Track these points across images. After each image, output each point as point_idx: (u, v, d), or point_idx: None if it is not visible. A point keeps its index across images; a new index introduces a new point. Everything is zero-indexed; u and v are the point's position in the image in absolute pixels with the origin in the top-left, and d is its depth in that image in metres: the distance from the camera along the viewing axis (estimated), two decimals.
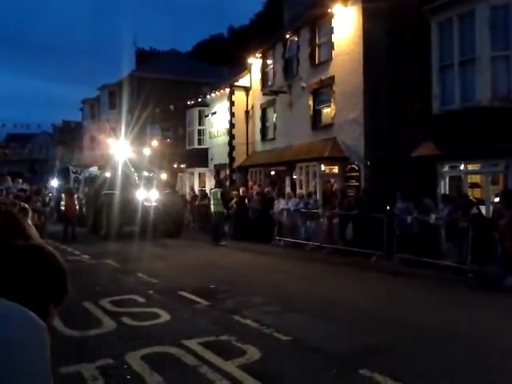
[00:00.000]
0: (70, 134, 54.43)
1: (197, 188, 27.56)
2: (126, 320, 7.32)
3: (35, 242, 1.69)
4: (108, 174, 20.99)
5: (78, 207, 19.55)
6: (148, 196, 18.69)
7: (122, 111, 30.70)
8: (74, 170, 27.18)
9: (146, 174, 20.53)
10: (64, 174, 26.82)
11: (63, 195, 19.18)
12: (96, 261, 13.32)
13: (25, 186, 23.71)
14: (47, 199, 20.11)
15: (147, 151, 23.40)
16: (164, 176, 22.88)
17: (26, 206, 4.72)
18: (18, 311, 1.40)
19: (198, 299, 8.68)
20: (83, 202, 23.50)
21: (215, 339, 6.40)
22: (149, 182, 19.71)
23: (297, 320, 7.47)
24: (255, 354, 5.84)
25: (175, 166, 28.40)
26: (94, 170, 27.91)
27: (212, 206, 17.78)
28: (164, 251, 15.41)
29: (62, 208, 18.59)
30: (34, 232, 7.51)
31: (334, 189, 18.19)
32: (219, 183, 20.27)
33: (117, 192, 18.17)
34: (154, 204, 18.43)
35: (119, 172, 19.56)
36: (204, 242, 17.45)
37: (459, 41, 13.23)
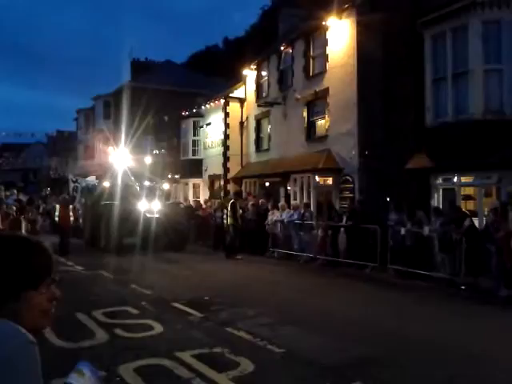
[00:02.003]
0: (64, 144, 54.39)
1: (202, 198, 26.52)
2: (119, 332, 7.27)
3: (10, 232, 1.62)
4: (107, 184, 20.07)
5: (73, 218, 19.06)
6: (150, 207, 17.91)
7: (120, 120, 30.49)
8: (74, 179, 26.66)
9: (147, 183, 19.81)
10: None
11: (57, 206, 18.35)
12: (91, 272, 13.25)
13: (21, 197, 23.67)
14: (41, 209, 19.83)
15: (148, 160, 22.79)
16: (166, 186, 22.34)
17: (20, 216, 4.72)
18: (6, 327, 1.35)
19: (191, 311, 8.64)
20: (80, 212, 22.82)
21: (209, 351, 6.37)
22: (151, 192, 19.05)
23: (290, 332, 7.45)
24: (248, 366, 5.81)
25: (169, 176, 28.32)
26: (91, 179, 26.93)
27: (227, 219, 17.26)
28: (164, 265, 14.94)
29: (57, 219, 17.80)
30: None
31: (331, 201, 18.10)
32: (236, 194, 19.01)
33: (117, 202, 17.45)
34: (157, 215, 17.65)
35: (119, 181, 18.84)
36: (204, 255, 17.30)
37: (452, 54, 13.36)
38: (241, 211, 17.86)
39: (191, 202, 24.23)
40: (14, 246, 1.49)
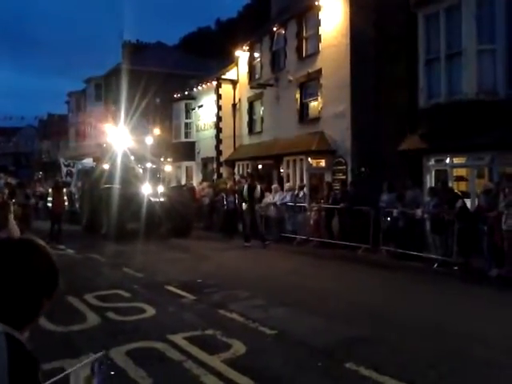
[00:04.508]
0: (55, 127, 53.99)
1: (194, 181, 25.79)
2: (111, 315, 7.25)
3: (28, 237, 1.65)
4: (106, 166, 18.36)
5: (67, 203, 18.37)
6: (154, 190, 16.86)
7: (112, 102, 29.86)
8: (66, 163, 25.51)
9: (149, 165, 18.35)
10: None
11: (50, 190, 17.47)
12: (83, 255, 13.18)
13: (9, 180, 23.36)
14: (30, 193, 19.28)
15: (149, 140, 20.93)
16: (168, 168, 20.89)
17: (9, 201, 4.65)
18: None
19: (184, 293, 8.64)
20: (76, 197, 21.94)
21: (201, 334, 6.36)
22: (153, 175, 17.95)
23: (283, 314, 7.46)
24: (240, 348, 5.82)
25: (161, 159, 28.09)
26: (87, 161, 25.83)
27: (243, 204, 16.19)
28: (178, 253, 14.12)
29: (49, 204, 16.83)
30: (14, 225, 7.33)
31: (324, 183, 17.96)
32: (251, 176, 17.22)
33: (118, 186, 16.27)
34: (161, 199, 16.73)
35: (119, 163, 17.44)
36: (212, 241, 16.44)
37: (446, 34, 13.24)
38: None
39: (195, 185, 23.04)
40: (44, 257, 1.55)
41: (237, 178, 21.57)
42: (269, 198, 17.21)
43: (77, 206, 21.38)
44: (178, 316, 7.30)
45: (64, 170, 24.78)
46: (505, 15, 12.41)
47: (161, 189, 17.16)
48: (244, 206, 16.15)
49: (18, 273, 1.46)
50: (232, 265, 12.03)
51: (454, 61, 13.15)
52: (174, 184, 19.87)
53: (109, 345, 5.85)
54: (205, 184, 22.44)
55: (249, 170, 21.87)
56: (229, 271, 11.10)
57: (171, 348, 5.80)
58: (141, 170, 17.75)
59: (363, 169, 16.37)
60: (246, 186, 16.01)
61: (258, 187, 15.89)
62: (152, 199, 16.40)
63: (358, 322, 7.00)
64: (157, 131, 25.78)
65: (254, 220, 15.64)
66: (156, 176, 18.07)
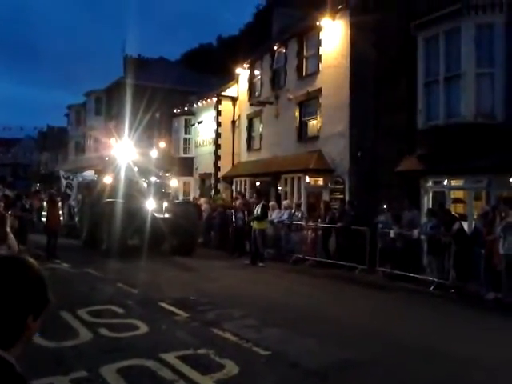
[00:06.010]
0: (54, 139, 54.09)
1: (191, 196, 25.54)
2: (103, 331, 7.17)
3: (10, 254, 1.63)
4: (108, 180, 17.64)
5: (66, 217, 17.59)
6: (158, 205, 16.11)
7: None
8: (66, 175, 24.81)
9: (153, 179, 17.62)
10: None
11: (44, 203, 17.21)
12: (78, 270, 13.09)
13: (7, 192, 23.13)
14: (27, 205, 18.91)
15: (154, 153, 20.00)
16: (174, 182, 19.99)
17: (6, 212, 4.62)
18: None
19: (177, 311, 8.55)
20: (75, 210, 21.34)
21: (193, 353, 6.29)
22: (158, 190, 17.19)
23: (277, 334, 7.38)
24: (233, 368, 5.74)
25: (160, 174, 27.99)
26: (88, 174, 24.97)
27: (253, 222, 15.61)
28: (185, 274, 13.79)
29: (44, 219, 16.13)
30: (12, 239, 7.30)
31: (321, 202, 17.90)
32: (258, 193, 16.93)
33: (121, 200, 15.56)
34: (167, 215, 16.01)
35: (123, 177, 16.79)
36: (221, 260, 15.88)
37: (445, 57, 13.34)
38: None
39: (201, 201, 21.88)
40: (28, 273, 1.51)
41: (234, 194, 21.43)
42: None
43: (76, 219, 20.80)
44: (171, 334, 7.22)
45: (64, 182, 24.19)
46: (504, 39, 12.52)
47: (165, 204, 16.39)
48: (256, 224, 15.52)
49: (2, 291, 1.43)
50: (227, 283, 11.94)
51: (452, 83, 13.24)
52: (179, 199, 19.16)
53: (100, 362, 5.78)
54: (202, 200, 22.39)
55: (257, 187, 21.61)
56: (223, 289, 11.00)
57: (163, 367, 5.72)
58: (145, 185, 17.13)
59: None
60: (259, 205, 15.64)
61: (260, 204, 15.79)
62: (156, 215, 15.74)
63: (352, 343, 6.93)
64: (162, 144, 25.15)
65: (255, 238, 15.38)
66: (161, 191, 17.40)
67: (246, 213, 17.08)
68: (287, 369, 5.90)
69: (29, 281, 1.49)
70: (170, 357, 6.04)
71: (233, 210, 18.38)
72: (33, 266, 1.53)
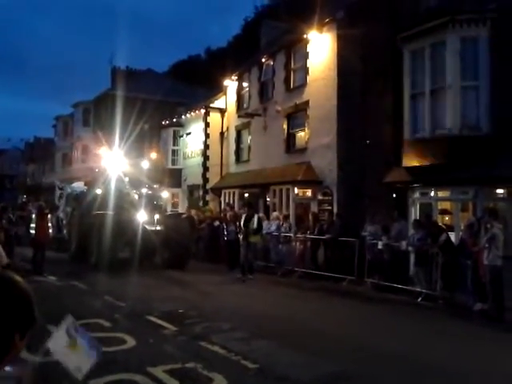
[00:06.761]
0: (41, 151, 53.73)
1: (180, 208, 25.44)
2: None
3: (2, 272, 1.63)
4: (98, 191, 17.29)
5: (53, 229, 17.07)
6: (150, 218, 15.79)
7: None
8: (60, 186, 24.16)
9: (145, 191, 17.24)
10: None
11: (33, 216, 16.67)
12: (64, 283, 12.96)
13: None
14: (14, 217, 18.49)
15: (145, 164, 19.62)
16: (166, 194, 19.63)
17: None
18: None
19: (165, 324, 8.49)
20: (63, 222, 20.88)
21: (181, 366, 6.24)
22: (149, 201, 16.77)
23: (265, 347, 7.35)
24: (222, 382, 5.71)
25: (153, 186, 27.74)
26: (77, 185, 23.72)
27: (248, 234, 14.97)
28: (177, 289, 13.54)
29: (32, 232, 15.66)
30: (1, 251, 7.19)
31: (309, 213, 17.81)
32: (249, 205, 16.26)
33: (111, 212, 15.22)
34: (159, 228, 15.72)
35: (113, 189, 16.41)
36: (216, 275, 15.36)
37: (430, 70, 13.52)
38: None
39: (193, 213, 21.12)
40: (13, 291, 1.50)
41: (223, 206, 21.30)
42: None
43: (64, 232, 20.31)
44: (159, 347, 7.16)
45: (57, 192, 23.66)
46: (488, 53, 12.72)
47: (157, 216, 16.04)
48: (252, 237, 15.05)
49: None
50: (215, 295, 11.89)
51: (438, 96, 13.40)
52: (167, 211, 18.78)
53: (87, 376, 5.70)
54: (193, 212, 22.22)
55: (247, 198, 20.95)
56: (212, 302, 10.96)
57: (151, 381, 5.67)
58: (136, 196, 16.74)
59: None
60: (255, 218, 15.21)
61: (256, 216, 15.43)
62: (147, 227, 15.44)
63: (341, 356, 6.92)
64: (153, 155, 24.69)
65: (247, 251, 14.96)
66: (152, 202, 16.96)
67: (237, 224, 16.57)
68: (275, 382, 5.87)
69: (15, 299, 1.48)
70: (158, 371, 5.99)
71: (224, 224, 18.11)
72: (19, 284, 1.52)
